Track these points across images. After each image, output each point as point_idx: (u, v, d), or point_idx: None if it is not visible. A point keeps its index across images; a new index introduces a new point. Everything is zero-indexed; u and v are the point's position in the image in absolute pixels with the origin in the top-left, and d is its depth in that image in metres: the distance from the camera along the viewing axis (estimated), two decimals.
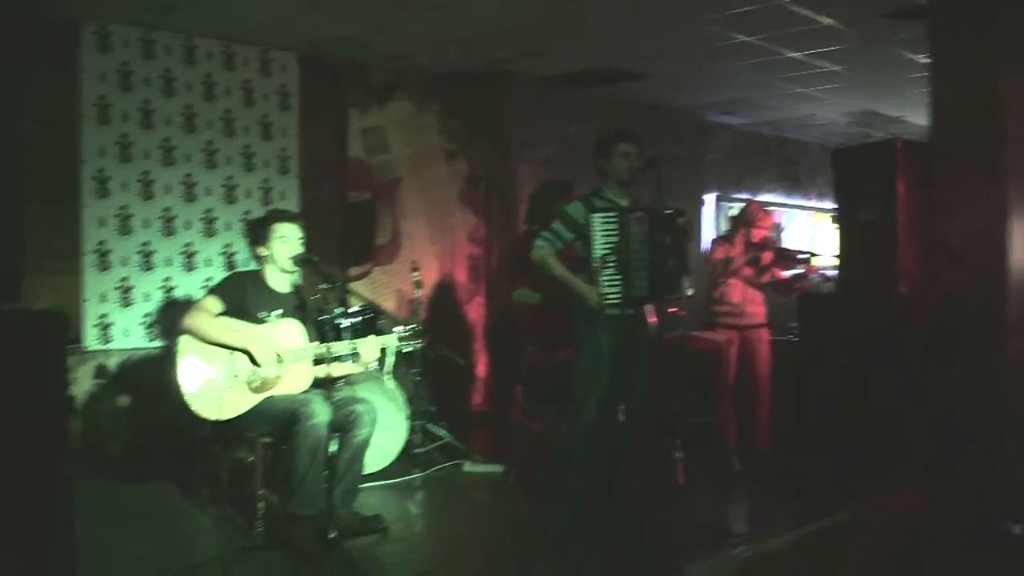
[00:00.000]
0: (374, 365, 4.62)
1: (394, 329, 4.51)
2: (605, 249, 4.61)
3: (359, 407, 4.36)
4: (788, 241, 9.97)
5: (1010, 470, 5.63)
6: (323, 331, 4.36)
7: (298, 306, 4.56)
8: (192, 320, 4.29)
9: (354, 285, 6.93)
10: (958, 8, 5.64)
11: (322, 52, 6.84)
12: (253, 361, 4.28)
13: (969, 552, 5.22)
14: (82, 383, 5.90)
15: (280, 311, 4.46)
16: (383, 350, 4.59)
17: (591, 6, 5.80)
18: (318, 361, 4.43)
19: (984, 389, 5.60)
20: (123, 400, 6.03)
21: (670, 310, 5.21)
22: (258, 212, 6.19)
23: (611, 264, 4.59)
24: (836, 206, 6.35)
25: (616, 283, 4.60)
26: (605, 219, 4.63)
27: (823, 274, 6.31)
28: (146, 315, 6.14)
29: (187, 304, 6.08)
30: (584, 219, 4.69)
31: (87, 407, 5.90)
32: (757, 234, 6.24)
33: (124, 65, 6.02)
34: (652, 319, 4.69)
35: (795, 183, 11.05)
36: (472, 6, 5.78)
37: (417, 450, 5.93)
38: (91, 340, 5.93)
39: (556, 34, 6.49)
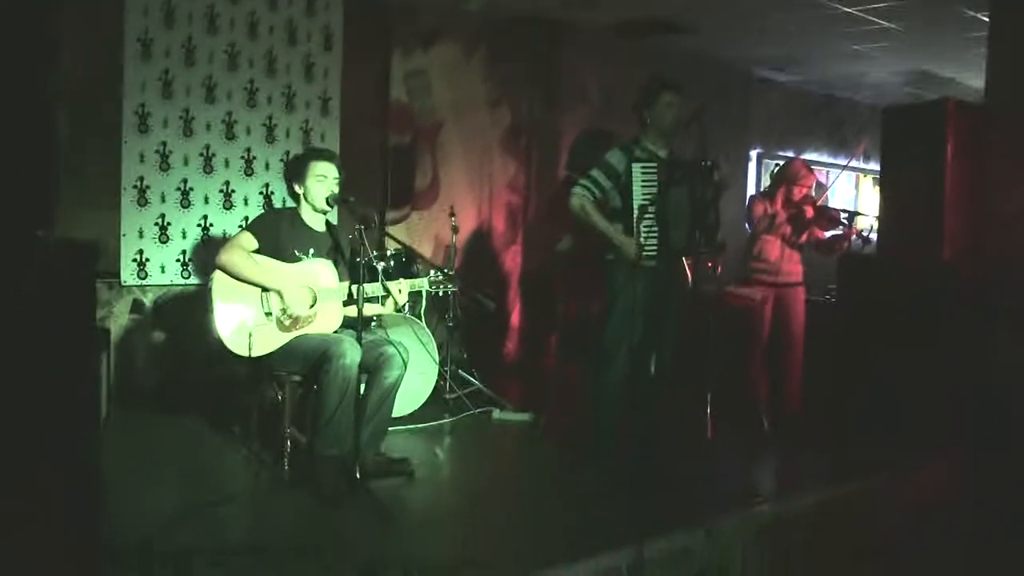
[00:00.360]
0: (406, 308, 4.61)
1: (429, 273, 4.50)
2: (644, 200, 4.55)
3: (389, 349, 4.36)
4: (831, 201, 9.79)
5: None
6: (356, 272, 4.35)
7: (333, 246, 4.56)
8: (227, 256, 4.30)
9: (391, 229, 6.91)
10: None
11: None
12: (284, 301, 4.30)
13: (1001, 525, 5.18)
14: (118, 318, 5.95)
15: (313, 250, 4.46)
16: (415, 293, 4.59)
17: None
18: (348, 302, 4.44)
19: None
20: (158, 336, 6.09)
21: (708, 264, 5.14)
22: (298, 153, 6.16)
23: (649, 216, 4.54)
24: (882, 167, 6.20)
25: (653, 235, 4.55)
26: (645, 168, 4.57)
27: (865, 236, 6.16)
28: (183, 252, 6.17)
29: (223, 244, 6.16)
30: (623, 168, 4.63)
31: (123, 341, 5.95)
32: (799, 192, 6.12)
33: (168, 1, 5.98)
34: (688, 273, 4.64)
35: (841, 143, 10.84)
36: None
37: (447, 395, 5.95)
38: (128, 275, 5.96)
39: None
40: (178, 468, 4.71)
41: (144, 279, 6.03)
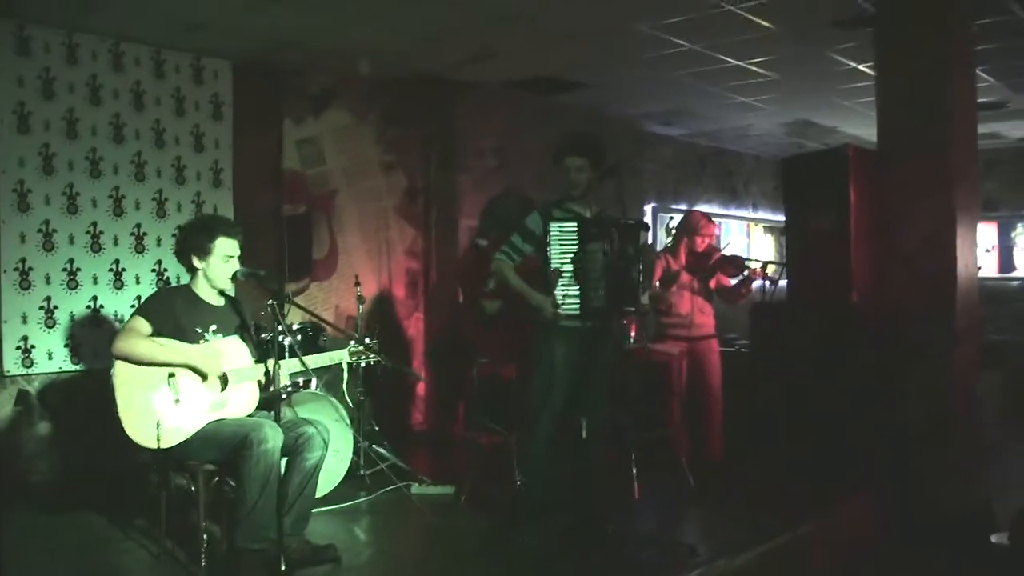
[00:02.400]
0: (313, 384, 4.37)
1: (351, 343, 4.29)
2: (561, 259, 4.48)
3: (309, 429, 4.12)
4: (727, 251, 9.97)
5: (958, 474, 5.66)
6: (266, 349, 4.11)
7: (240, 324, 4.30)
8: (123, 343, 3.99)
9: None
10: (904, 16, 5.67)
11: (256, 59, 6.58)
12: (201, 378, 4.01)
13: (922, 553, 5.25)
14: (1, 410, 5.53)
15: (215, 326, 4.19)
16: (328, 367, 4.36)
17: (528, 13, 5.66)
18: (262, 382, 4.18)
19: (932, 396, 5.63)
20: (45, 427, 5.68)
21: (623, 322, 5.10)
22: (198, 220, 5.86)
23: (567, 275, 4.46)
24: (786, 214, 6.30)
25: (573, 295, 4.46)
26: (562, 228, 4.50)
27: (770, 279, 6.23)
28: (71, 337, 5.79)
29: (115, 324, 5.82)
30: (540, 230, 4.55)
31: (6, 435, 5.52)
32: (701, 242, 6.18)
33: (45, 71, 5.68)
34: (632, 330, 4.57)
35: (732, 194, 11.09)
36: (406, 11, 5.60)
37: (362, 472, 5.69)
38: (11, 364, 5.57)
39: (493, 42, 6.34)
40: (80, 570, 4.31)
41: (30, 367, 5.65)
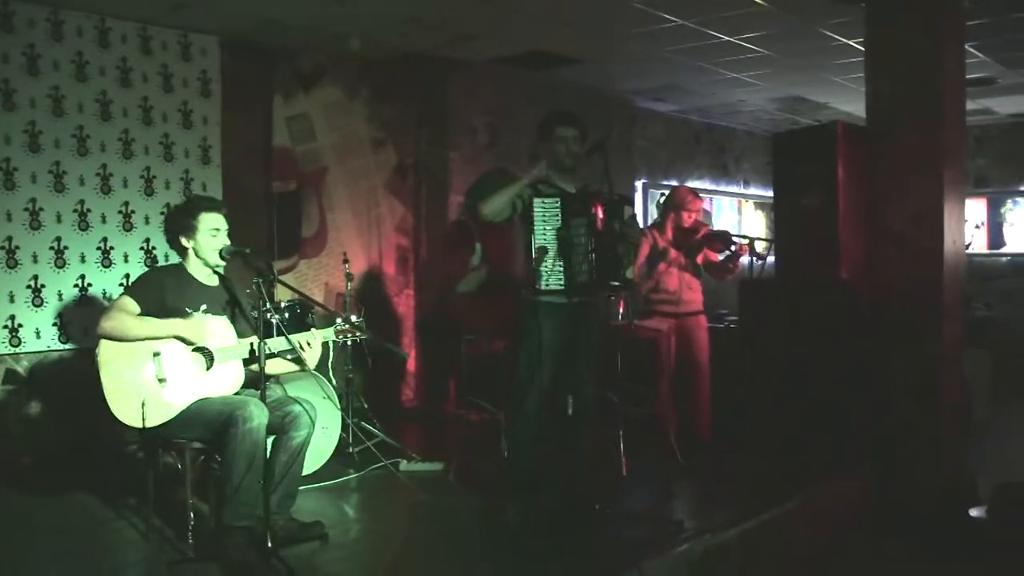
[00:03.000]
0: (314, 363, 4.35)
1: (336, 321, 4.28)
2: (544, 236, 4.45)
3: (296, 407, 4.12)
4: (717, 227, 9.97)
5: (946, 451, 5.70)
6: (255, 327, 4.11)
7: (230, 301, 4.29)
8: (109, 323, 3.98)
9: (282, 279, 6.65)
10: None
11: (245, 36, 6.53)
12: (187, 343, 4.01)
13: (910, 533, 5.29)
14: None
15: (206, 306, 4.18)
16: (320, 345, 4.35)
17: None
18: (249, 360, 4.18)
19: (919, 371, 5.66)
20: (35, 407, 5.68)
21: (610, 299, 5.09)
22: (180, 203, 5.85)
23: (552, 251, 4.43)
24: (775, 191, 6.29)
25: (559, 270, 4.45)
26: (545, 204, 4.47)
27: (759, 255, 6.22)
28: (60, 315, 5.78)
29: (103, 303, 5.81)
30: (526, 203, 4.52)
31: None
32: (688, 218, 6.15)
33: (30, 47, 5.63)
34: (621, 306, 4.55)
35: (723, 170, 11.08)
36: None
37: (351, 449, 5.71)
38: None
39: (487, 17, 6.31)
40: (69, 549, 4.31)
41: (17, 346, 5.64)
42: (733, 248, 6.12)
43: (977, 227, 10.88)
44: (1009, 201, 10.92)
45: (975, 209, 10.80)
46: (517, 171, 5.01)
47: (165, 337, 4.01)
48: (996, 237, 10.96)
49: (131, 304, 4.04)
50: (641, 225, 5.94)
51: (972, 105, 8.76)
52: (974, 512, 5.39)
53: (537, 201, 4.49)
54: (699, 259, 6.15)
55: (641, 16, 6.22)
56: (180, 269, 4.27)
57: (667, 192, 6.87)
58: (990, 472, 5.95)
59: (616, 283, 4.64)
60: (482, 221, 4.65)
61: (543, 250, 4.44)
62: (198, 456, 4.21)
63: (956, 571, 4.96)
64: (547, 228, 4.46)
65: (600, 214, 4.44)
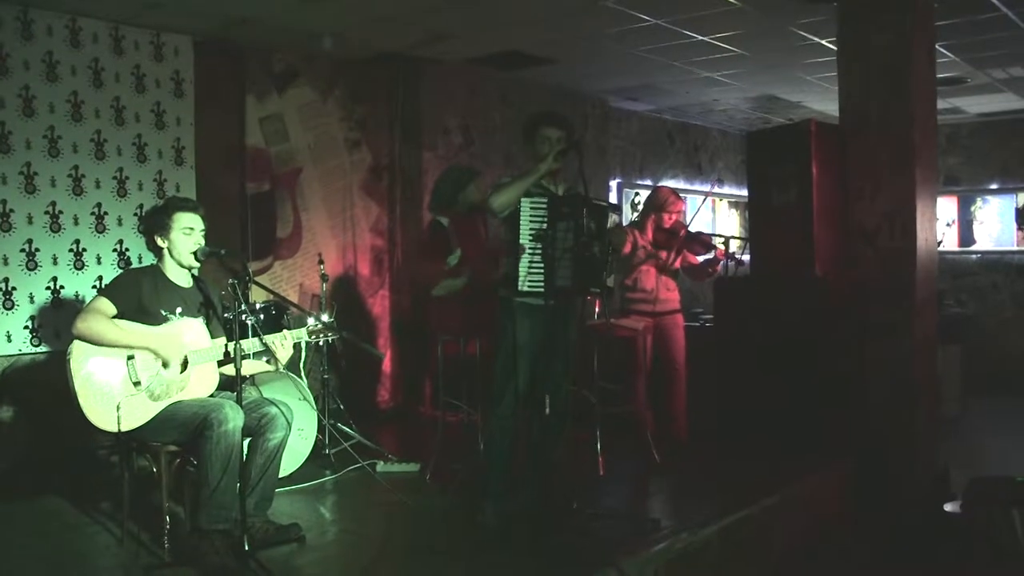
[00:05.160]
0: (284, 362, 4.33)
1: (308, 322, 4.26)
2: (530, 235, 4.45)
3: (272, 409, 4.11)
4: (693, 226, 10.01)
5: (920, 447, 5.75)
6: (230, 329, 4.08)
7: (204, 302, 4.27)
8: (83, 324, 3.94)
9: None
10: None
11: (218, 36, 6.49)
12: (161, 362, 3.98)
13: (888, 527, 5.34)
14: None
15: (181, 308, 4.16)
16: (295, 346, 4.34)
17: None
18: (223, 362, 4.15)
19: (893, 368, 5.71)
20: (6, 411, 5.62)
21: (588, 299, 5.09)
22: (156, 203, 5.80)
23: (534, 251, 4.43)
24: (749, 190, 6.32)
25: (539, 272, 4.44)
26: (534, 204, 4.46)
27: (737, 258, 6.26)
28: (31, 318, 5.72)
29: (76, 306, 5.75)
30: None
31: None
32: (668, 219, 6.17)
33: None
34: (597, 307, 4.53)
35: (697, 169, 11.13)
36: None
37: (327, 451, 5.68)
38: None
39: (461, 17, 6.30)
40: (43, 555, 4.26)
41: None
42: (713, 253, 6.18)
43: (948, 225, 11.00)
44: (979, 199, 11.03)
45: (946, 207, 10.92)
46: (488, 169, 4.99)
47: (138, 348, 3.98)
48: (967, 235, 11.08)
49: (107, 305, 4.01)
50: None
51: (942, 104, 8.86)
52: (948, 507, 5.45)
53: (526, 201, 4.47)
54: (678, 263, 6.17)
55: (614, 15, 6.24)
56: (156, 270, 4.25)
57: (643, 192, 6.90)
58: (962, 467, 6.02)
59: (596, 289, 4.64)
60: (461, 218, 4.64)
61: (524, 249, 4.43)
62: (173, 459, 4.18)
63: (929, 565, 5.01)
64: (532, 228, 4.45)
65: (586, 219, 4.43)
